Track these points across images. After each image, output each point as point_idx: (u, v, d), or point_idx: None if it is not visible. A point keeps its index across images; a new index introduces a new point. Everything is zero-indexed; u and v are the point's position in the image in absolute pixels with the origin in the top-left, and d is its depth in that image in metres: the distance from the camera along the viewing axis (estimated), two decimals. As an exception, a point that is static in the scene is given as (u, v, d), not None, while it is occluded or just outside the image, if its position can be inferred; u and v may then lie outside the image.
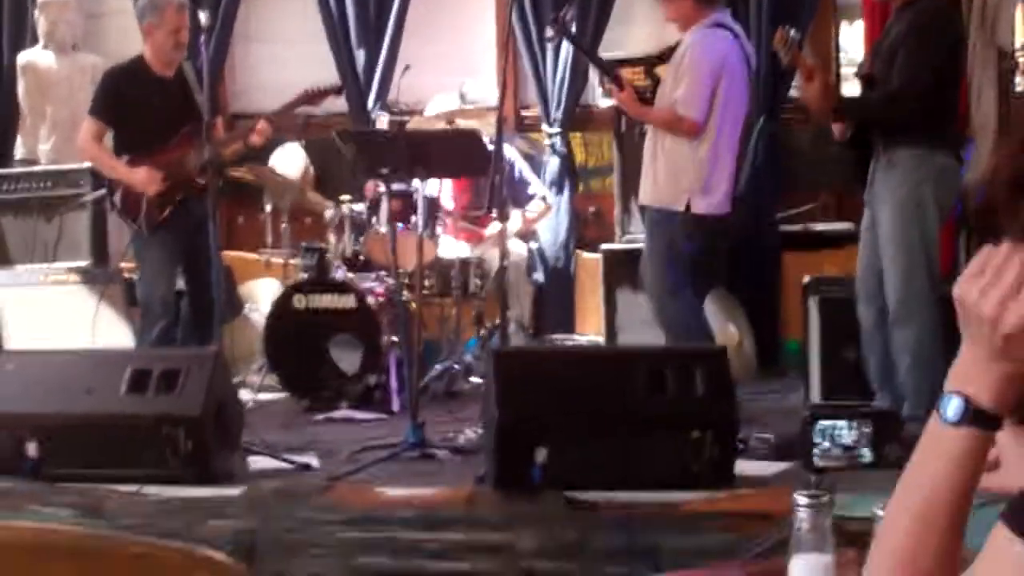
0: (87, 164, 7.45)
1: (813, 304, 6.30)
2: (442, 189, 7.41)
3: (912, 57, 5.15)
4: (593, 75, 7.89)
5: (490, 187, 5.76)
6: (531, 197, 7.67)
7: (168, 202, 6.36)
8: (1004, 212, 1.38)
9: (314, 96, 6.54)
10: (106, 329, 6.76)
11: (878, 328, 5.50)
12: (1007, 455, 1.49)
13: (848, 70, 8.15)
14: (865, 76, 5.45)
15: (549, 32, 6.46)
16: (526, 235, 7.83)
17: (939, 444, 1.36)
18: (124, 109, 6.44)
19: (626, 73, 6.59)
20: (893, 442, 3.88)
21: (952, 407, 1.36)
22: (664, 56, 6.44)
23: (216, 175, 5.98)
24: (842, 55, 8.55)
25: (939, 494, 1.35)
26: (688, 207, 6.05)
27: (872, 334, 5.52)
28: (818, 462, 3.83)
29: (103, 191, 7.08)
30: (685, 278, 6.18)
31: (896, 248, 5.29)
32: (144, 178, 6.31)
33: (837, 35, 8.40)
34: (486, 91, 7.89)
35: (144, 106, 6.39)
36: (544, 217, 7.88)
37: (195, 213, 6.25)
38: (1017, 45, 7.15)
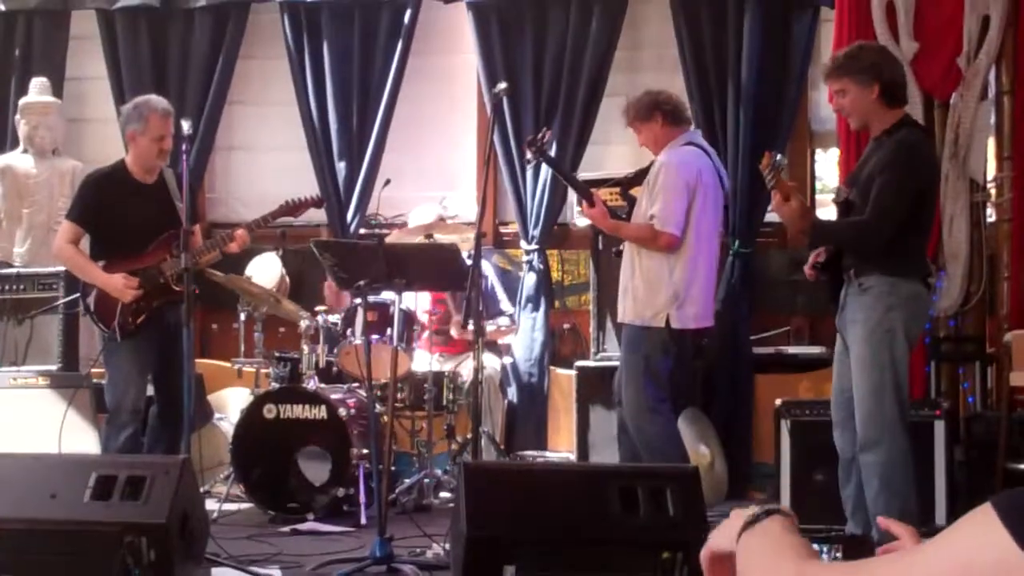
0: (61, 268, 7.44)
1: (784, 427, 6.30)
2: (417, 302, 7.42)
3: (887, 187, 5.22)
4: (571, 194, 7.96)
5: (467, 302, 5.76)
6: (499, 313, 7.69)
7: (143, 309, 6.31)
8: None
9: (295, 208, 6.56)
10: (73, 434, 6.69)
11: (853, 453, 5.49)
12: None
13: (823, 196, 8.25)
14: (843, 203, 5.51)
15: (528, 155, 6.54)
16: (502, 351, 7.85)
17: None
18: (102, 214, 6.40)
19: (603, 194, 6.66)
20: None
21: None
22: (638, 178, 6.51)
23: (192, 283, 5.96)
24: (817, 182, 8.66)
25: None
26: (668, 322, 6.12)
27: (850, 461, 5.51)
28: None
29: (76, 295, 7.07)
30: (664, 394, 6.23)
31: (866, 373, 5.30)
32: (120, 284, 6.26)
33: (812, 162, 8.51)
34: (466, 206, 7.95)
35: (123, 212, 6.35)
36: (507, 335, 7.90)
37: (169, 320, 6.23)
38: (989, 177, 7.24)
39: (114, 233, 6.39)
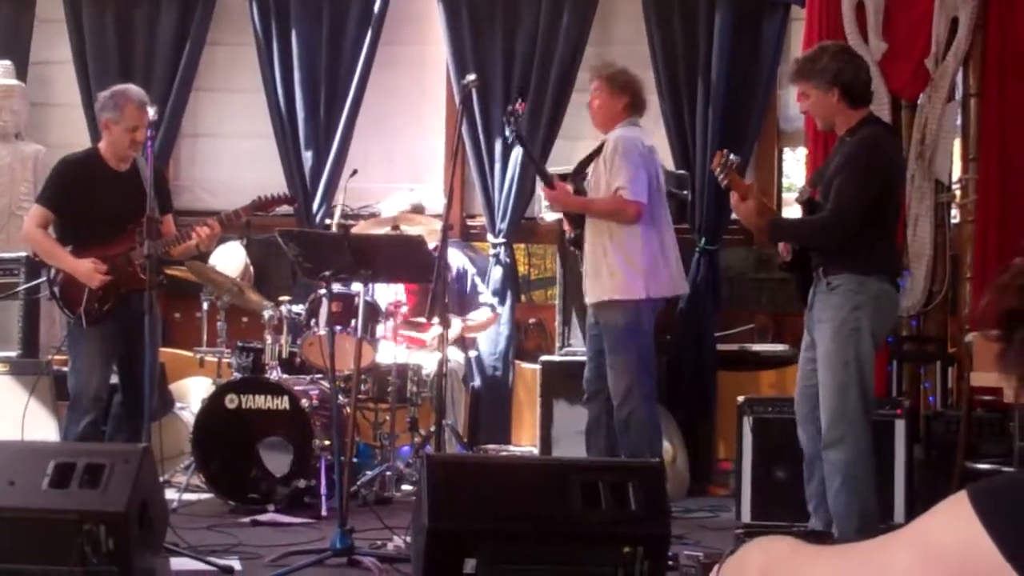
0: (22, 253, 7.39)
1: (747, 424, 6.32)
2: (391, 292, 7.41)
3: (847, 184, 5.24)
4: (539, 188, 7.94)
5: (431, 295, 5.75)
6: (481, 305, 7.70)
7: (109, 296, 6.26)
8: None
9: (266, 204, 6.52)
10: (33, 421, 6.64)
11: (817, 449, 5.50)
12: None
13: (790, 195, 8.28)
14: (807, 202, 5.52)
15: (506, 130, 6.57)
16: (467, 343, 7.84)
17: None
18: (73, 200, 6.35)
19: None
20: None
21: None
22: (587, 161, 6.57)
23: (157, 272, 5.92)
24: (784, 180, 8.69)
25: None
26: (647, 292, 6.31)
27: (813, 456, 5.53)
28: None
29: (38, 281, 7.02)
30: (654, 381, 6.44)
31: (830, 370, 5.31)
32: (89, 270, 6.21)
33: (780, 161, 8.54)
34: (433, 198, 7.93)
35: (93, 198, 6.30)
36: (490, 325, 7.91)
37: (135, 308, 6.15)
38: (954, 178, 7.28)
39: (84, 219, 6.33)
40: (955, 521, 1.26)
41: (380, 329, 7.05)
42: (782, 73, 7.99)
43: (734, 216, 6.14)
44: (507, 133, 6.67)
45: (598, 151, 6.48)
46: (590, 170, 6.55)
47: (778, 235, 5.57)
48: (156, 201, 5.96)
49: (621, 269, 6.34)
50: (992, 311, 1.41)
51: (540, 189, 7.71)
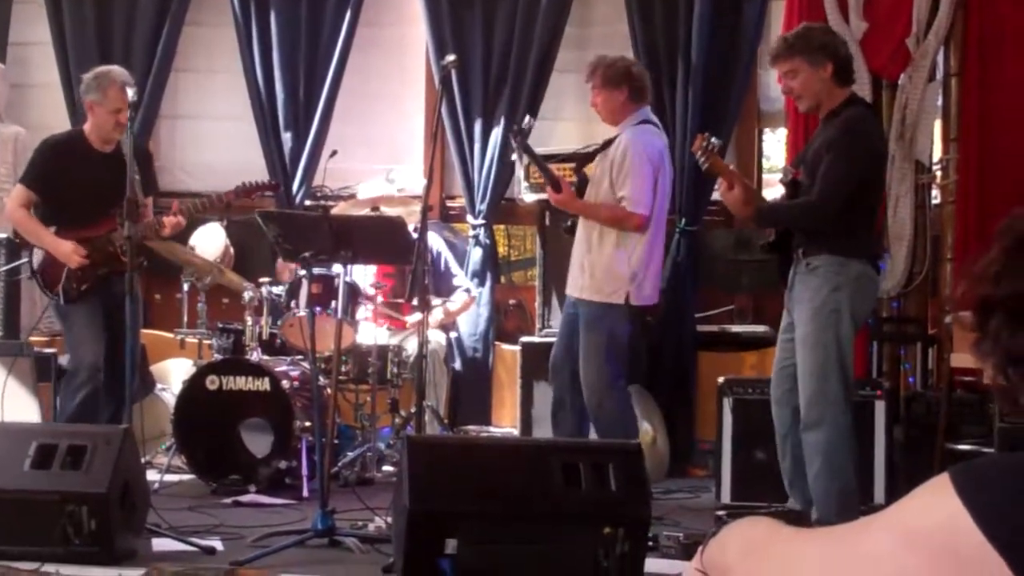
0: (1, 235, 7.36)
1: (727, 405, 6.35)
2: (367, 274, 7.40)
3: (832, 167, 5.24)
4: (519, 170, 7.94)
5: (411, 276, 5.75)
6: (455, 288, 7.69)
7: (88, 276, 6.29)
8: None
9: (249, 191, 6.48)
10: (14, 403, 6.63)
11: (792, 430, 5.52)
12: None
13: (771, 176, 8.29)
14: (790, 183, 5.52)
15: (513, 143, 6.53)
16: (448, 326, 7.84)
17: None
18: (56, 180, 6.37)
19: (555, 170, 6.66)
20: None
21: None
22: (592, 155, 6.51)
23: (137, 254, 5.91)
24: (765, 161, 8.70)
25: None
26: (627, 299, 6.23)
27: (786, 436, 5.55)
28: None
29: (22, 261, 7.00)
30: (623, 370, 6.35)
31: (810, 351, 5.33)
32: (68, 250, 6.24)
33: (760, 142, 8.55)
34: (413, 179, 7.92)
35: (77, 180, 6.31)
36: (467, 309, 7.91)
37: (116, 290, 6.07)
38: (935, 158, 7.30)
39: (67, 200, 6.36)
40: (937, 503, 1.27)
41: (360, 311, 7.05)
42: (762, 53, 7.96)
43: (715, 197, 6.17)
44: (513, 145, 6.60)
45: (608, 143, 6.42)
46: (597, 160, 6.47)
47: (766, 221, 5.57)
48: (140, 185, 5.98)
49: (602, 272, 6.28)
50: (966, 300, 1.42)
51: (521, 173, 7.72)
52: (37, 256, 6.44)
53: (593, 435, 6.41)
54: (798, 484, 5.52)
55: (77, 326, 6.36)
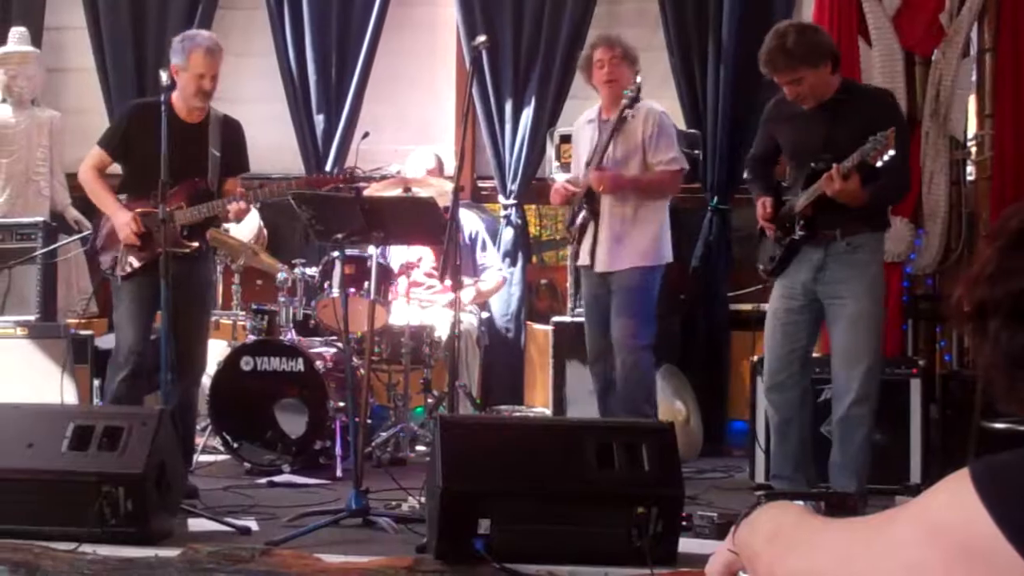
0: (39, 218, 7.42)
1: (759, 383, 6.33)
2: (408, 255, 7.44)
3: (902, 144, 5.29)
4: (550, 149, 7.94)
5: (444, 256, 5.76)
6: (487, 268, 7.71)
7: (146, 253, 6.00)
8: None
9: (320, 181, 6.30)
10: (52, 385, 6.67)
11: (799, 412, 5.57)
12: None
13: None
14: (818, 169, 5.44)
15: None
16: (480, 305, 7.86)
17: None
18: (132, 145, 6.11)
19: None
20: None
21: None
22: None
23: (193, 238, 5.89)
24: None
25: None
26: (666, 259, 6.57)
27: (790, 420, 5.58)
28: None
29: (60, 244, 7.04)
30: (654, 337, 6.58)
31: (865, 327, 5.41)
32: (125, 221, 5.98)
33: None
34: (444, 160, 7.93)
35: (152, 146, 5.84)
36: (499, 290, 7.92)
37: (180, 270, 5.81)
38: (969, 134, 7.25)
39: (140, 167, 6.07)
40: (956, 499, 1.27)
41: (394, 290, 7.08)
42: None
43: (746, 175, 6.17)
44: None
45: (621, 121, 6.46)
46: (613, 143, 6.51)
47: (875, 204, 5.51)
48: (218, 164, 5.92)
49: (647, 237, 6.46)
50: (964, 304, 1.42)
51: (552, 152, 7.71)
52: (101, 230, 6.22)
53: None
54: (804, 467, 5.56)
55: (123, 305, 6.11)
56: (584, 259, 6.61)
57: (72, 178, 6.27)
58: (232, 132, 6.25)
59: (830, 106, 5.44)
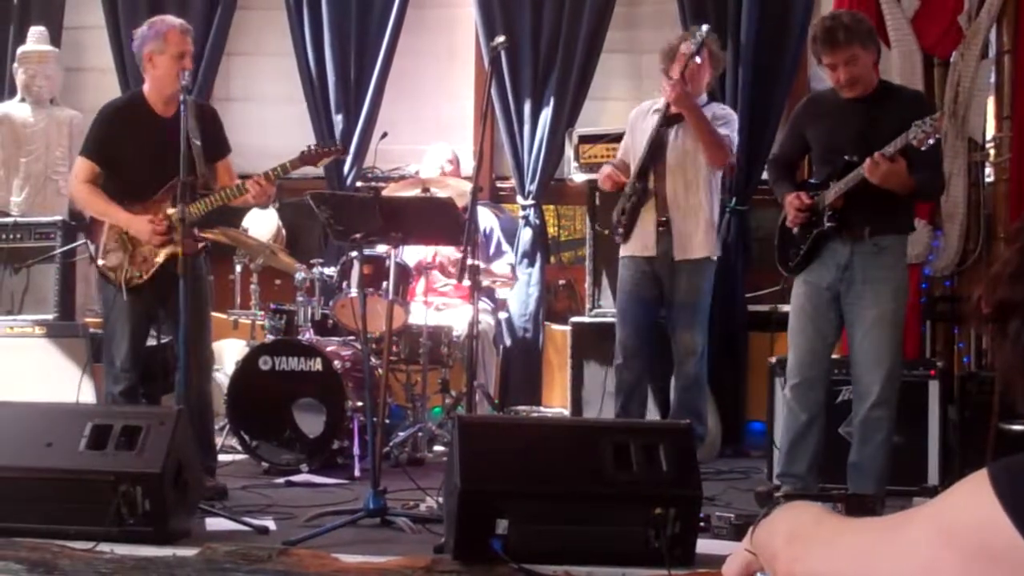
0: (58, 217, 7.42)
1: (778, 385, 6.33)
2: (423, 253, 7.45)
3: (937, 144, 5.32)
4: (568, 149, 7.94)
5: (462, 258, 5.76)
6: (501, 254, 7.70)
7: (151, 263, 5.85)
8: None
9: (315, 157, 6.06)
10: (70, 384, 6.70)
11: (822, 411, 5.56)
12: None
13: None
14: (847, 164, 5.42)
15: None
16: (498, 302, 7.86)
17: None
18: (116, 148, 5.90)
19: (600, 149, 6.71)
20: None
21: None
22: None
23: (194, 237, 5.80)
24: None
25: None
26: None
27: (815, 418, 5.56)
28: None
29: (78, 243, 7.04)
30: None
31: (891, 329, 5.42)
32: (147, 228, 5.78)
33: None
34: (463, 161, 7.93)
35: (138, 146, 5.83)
36: (506, 286, 7.89)
37: (171, 271, 5.63)
38: (988, 136, 7.23)
39: (128, 169, 5.88)
40: (974, 500, 1.26)
41: (412, 290, 7.09)
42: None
43: (764, 176, 6.17)
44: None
45: (673, 119, 6.57)
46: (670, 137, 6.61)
47: (920, 189, 5.50)
48: (201, 154, 5.64)
49: (713, 227, 6.62)
50: (983, 305, 1.41)
51: (571, 153, 7.70)
52: (98, 241, 5.98)
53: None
54: (817, 468, 5.55)
55: (120, 319, 5.90)
56: (635, 249, 6.61)
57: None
58: (207, 117, 6.03)
59: (870, 100, 5.42)
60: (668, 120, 6.57)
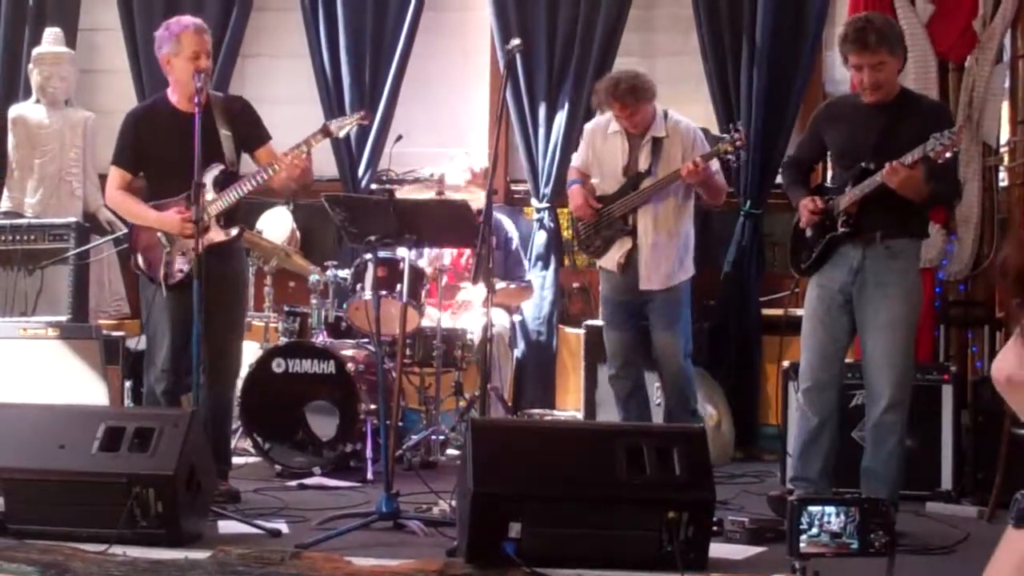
0: (72, 219, 7.44)
1: (792, 388, 6.30)
2: (440, 256, 7.45)
3: (955, 153, 5.32)
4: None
5: (476, 260, 5.76)
6: (518, 276, 7.70)
7: (188, 257, 5.75)
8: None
9: (337, 127, 5.96)
10: (83, 386, 6.70)
11: (835, 414, 5.55)
12: None
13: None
14: (863, 169, 5.41)
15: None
16: (511, 309, 7.85)
17: (1008, 544, 1.36)
18: (144, 151, 5.95)
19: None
20: (879, 530, 3.87)
21: (1015, 510, 1.37)
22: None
23: (232, 224, 5.82)
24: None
25: None
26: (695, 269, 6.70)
27: (827, 421, 5.55)
28: (805, 548, 3.81)
29: (91, 245, 7.05)
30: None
31: (902, 333, 5.40)
32: (176, 220, 5.78)
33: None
34: (477, 163, 7.93)
35: (165, 146, 5.84)
36: (523, 299, 7.89)
37: (212, 267, 5.60)
38: (1002, 141, 7.20)
39: (157, 170, 5.94)
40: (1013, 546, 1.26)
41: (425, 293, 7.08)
42: (827, 35, 7.92)
43: (778, 180, 6.16)
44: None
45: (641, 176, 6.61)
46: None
47: (937, 198, 5.52)
48: (232, 143, 5.79)
49: (686, 252, 6.61)
50: (1008, 268, 1.40)
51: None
52: (137, 245, 6.01)
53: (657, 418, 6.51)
54: (829, 472, 5.54)
55: (162, 318, 5.91)
56: (610, 265, 6.62)
57: (105, 180, 6.21)
58: (238, 107, 6.07)
59: (891, 107, 5.40)
60: (636, 177, 6.59)
